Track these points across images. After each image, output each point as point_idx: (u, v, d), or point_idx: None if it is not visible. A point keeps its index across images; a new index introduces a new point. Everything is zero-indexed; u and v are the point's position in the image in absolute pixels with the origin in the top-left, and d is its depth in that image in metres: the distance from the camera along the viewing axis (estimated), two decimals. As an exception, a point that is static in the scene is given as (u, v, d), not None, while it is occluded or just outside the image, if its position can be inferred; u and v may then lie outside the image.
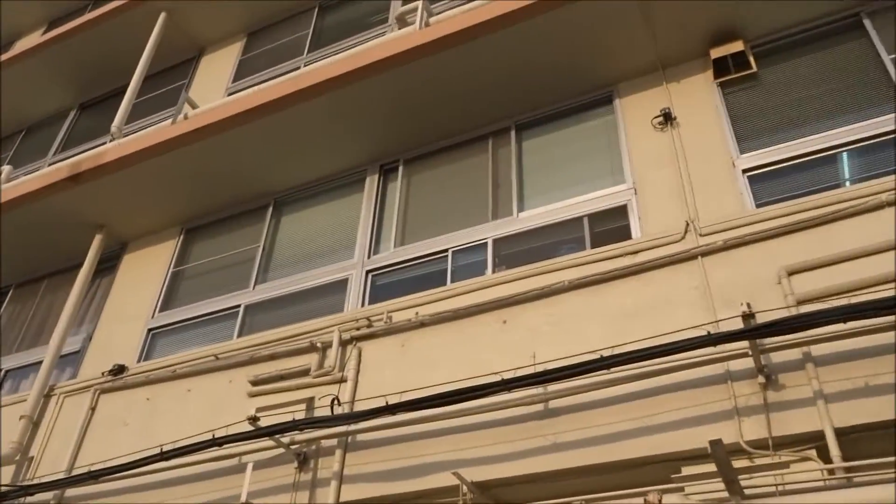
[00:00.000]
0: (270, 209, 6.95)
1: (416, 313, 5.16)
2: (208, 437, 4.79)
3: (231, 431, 4.80)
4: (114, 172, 6.96)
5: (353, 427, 4.57)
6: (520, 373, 4.11)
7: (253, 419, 4.49)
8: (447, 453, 4.39)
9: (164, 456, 4.73)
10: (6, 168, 8.37)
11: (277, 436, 4.62)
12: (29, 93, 10.74)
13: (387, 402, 4.19)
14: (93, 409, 6.08)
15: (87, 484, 5.10)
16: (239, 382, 5.54)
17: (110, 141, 8.17)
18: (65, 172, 7.07)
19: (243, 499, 4.23)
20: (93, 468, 5.28)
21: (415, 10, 6.76)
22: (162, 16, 9.27)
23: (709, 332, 3.64)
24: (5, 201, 7.37)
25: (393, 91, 6.21)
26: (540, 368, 4.20)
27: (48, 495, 5.54)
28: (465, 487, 4.12)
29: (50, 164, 9.41)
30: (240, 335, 6.05)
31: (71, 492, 5.48)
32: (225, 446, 4.77)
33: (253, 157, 6.80)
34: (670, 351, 3.82)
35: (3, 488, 5.43)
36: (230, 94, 8.32)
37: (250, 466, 4.41)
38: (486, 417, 4.37)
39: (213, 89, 8.72)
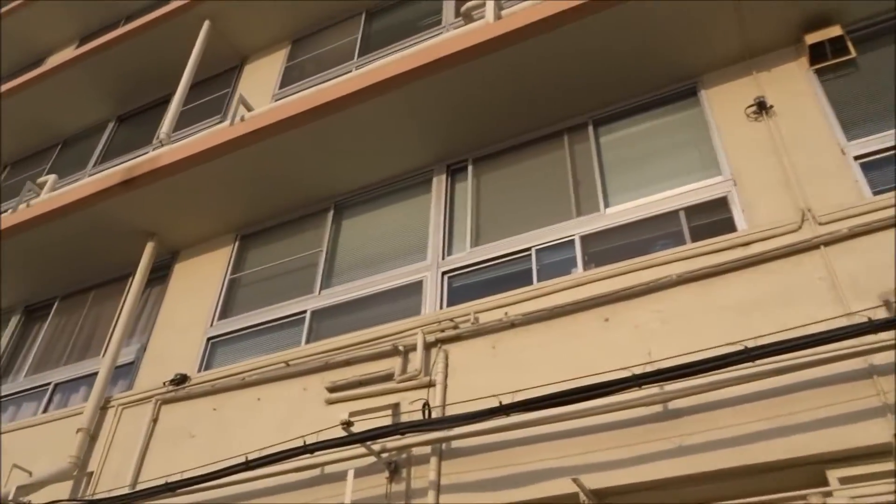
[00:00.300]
0: (331, 213, 6.70)
1: (506, 313, 4.88)
2: (291, 444, 4.50)
3: (309, 441, 4.52)
4: (168, 177, 6.73)
5: (451, 433, 4.26)
6: (626, 373, 3.83)
7: (346, 424, 4.19)
8: (558, 459, 4.08)
9: (249, 465, 4.43)
10: (52, 177, 8.17)
11: (369, 443, 4.32)
12: (65, 106, 10.62)
13: (500, 403, 3.90)
14: (155, 420, 5.79)
15: (164, 497, 4.80)
16: (314, 389, 5.26)
17: (155, 149, 7.99)
18: (118, 177, 6.85)
19: (346, 507, 3.93)
20: (161, 481, 5.00)
21: (481, 5, 6.56)
22: (206, 24, 9.14)
23: (870, 319, 3.34)
24: (54, 209, 7.13)
25: (461, 88, 6.00)
26: (656, 366, 3.91)
27: (113, 511, 5.23)
28: (583, 496, 3.81)
29: (90, 176, 9.21)
30: (308, 341, 5.77)
31: (139, 507, 5.18)
32: (303, 457, 4.47)
33: (312, 160, 6.57)
34: (811, 344, 3.54)
35: (73, 501, 5.13)
36: (277, 101, 8.12)
37: (351, 473, 4.10)
38: (599, 420, 4.07)
39: (259, 96, 8.51)
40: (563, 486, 3.94)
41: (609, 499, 3.94)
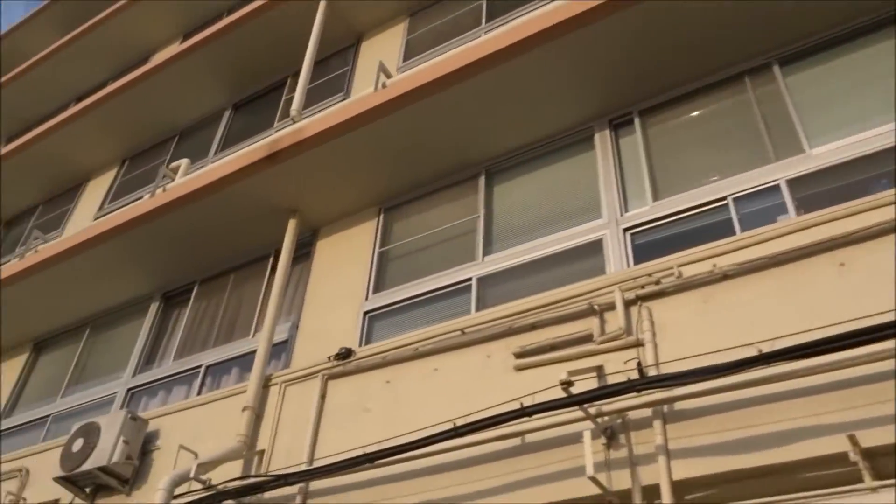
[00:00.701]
0: (482, 178, 6.39)
1: (714, 265, 4.45)
2: (480, 414, 4.19)
3: (496, 411, 4.22)
4: (313, 148, 6.54)
5: (688, 390, 3.86)
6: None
7: (566, 384, 3.85)
8: (811, 417, 3.63)
9: (458, 432, 4.14)
10: (184, 161, 8.13)
11: (587, 405, 3.97)
12: (180, 97, 10.65)
13: (759, 352, 3.47)
14: (323, 396, 5.57)
15: (362, 469, 4.56)
16: (498, 356, 4.94)
17: (277, 132, 7.85)
18: (262, 152, 6.70)
19: (589, 472, 3.57)
20: (340, 457, 4.77)
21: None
22: (322, 4, 8.96)
23: None
24: (196, 189, 7.05)
25: (622, 37, 5.62)
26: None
27: (293, 488, 5.03)
28: (853, 455, 3.36)
29: (212, 163, 9.16)
30: (478, 309, 5.47)
31: (325, 483, 4.96)
32: (516, 422, 4.15)
33: (460, 124, 6.30)
34: None
35: (256, 479, 4.95)
36: (402, 73, 7.87)
37: (588, 435, 3.75)
38: (853, 374, 3.61)
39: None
40: (822, 446, 3.50)
41: (879, 460, 3.47)
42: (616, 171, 5.64)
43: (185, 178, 7.87)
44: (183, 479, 4.96)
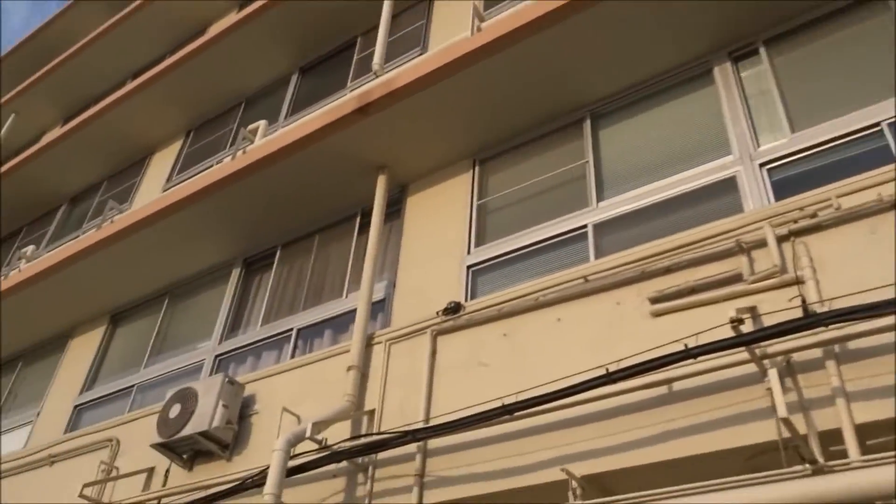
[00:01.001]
0: (587, 122, 6.02)
1: (879, 194, 4.04)
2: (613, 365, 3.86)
3: (627, 362, 3.90)
4: (405, 98, 6.23)
5: (849, 331, 3.48)
6: None
7: (736, 322, 3.50)
8: None
9: (611, 377, 3.81)
10: (262, 122, 7.89)
11: (755, 345, 3.61)
12: (243, 65, 10.45)
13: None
14: (434, 352, 5.29)
15: (489, 425, 4.29)
16: (630, 303, 4.59)
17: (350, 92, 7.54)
18: (352, 105, 6.40)
19: (781, 413, 3.23)
20: (459, 414, 4.49)
21: None
22: (393, -44, 8.59)
23: None
24: (281, 147, 6.79)
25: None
26: None
27: (411, 447, 4.77)
28: None
29: (283, 128, 8.92)
30: (597, 256, 5.12)
31: (445, 441, 4.68)
32: (674, 366, 3.82)
33: (562, 66, 5.94)
34: None
35: (380, 435, 4.70)
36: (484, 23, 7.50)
37: (774, 374, 3.40)
38: None
39: (460, 23, 7.90)
40: None
41: None
42: (742, 104, 5.22)
43: (265, 139, 7.62)
44: (299, 438, 4.72)
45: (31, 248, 10.89)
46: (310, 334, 6.69)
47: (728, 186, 4.90)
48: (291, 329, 6.74)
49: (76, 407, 8.29)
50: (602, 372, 3.99)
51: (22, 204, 13.01)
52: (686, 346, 3.64)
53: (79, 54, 14.05)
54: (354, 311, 6.32)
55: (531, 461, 4.31)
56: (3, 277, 9.97)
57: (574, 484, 3.99)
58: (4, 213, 13.18)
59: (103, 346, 8.82)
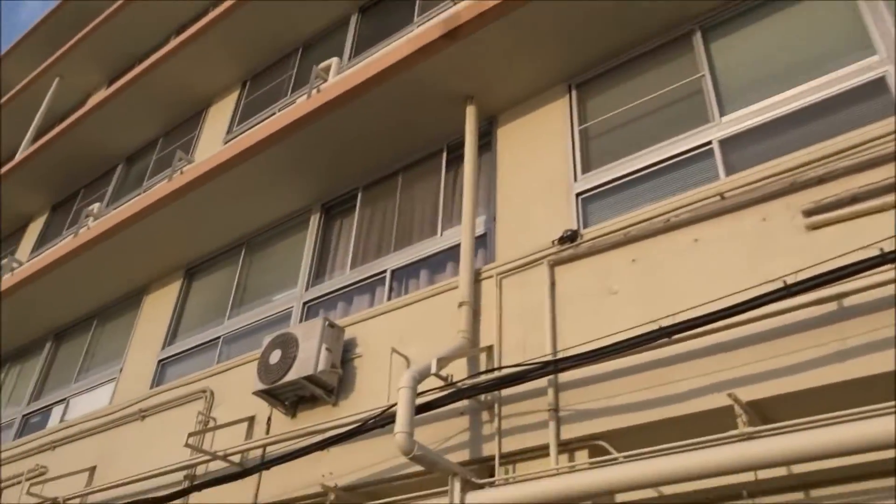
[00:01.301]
0: (698, 35, 5.60)
1: None
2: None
3: (787, 280, 3.57)
4: (496, 20, 5.86)
5: None
6: None
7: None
8: None
9: (789, 290, 3.50)
10: (334, 59, 7.58)
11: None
12: (298, 10, 10.12)
13: None
14: (553, 283, 5.02)
15: (652, 346, 4.01)
16: (778, 217, 4.26)
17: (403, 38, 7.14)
18: (438, 31, 6.04)
19: None
20: (589, 346, 4.23)
21: None
22: None
23: None
24: (355, 86, 6.47)
25: None
26: None
27: (541, 381, 4.53)
28: None
29: (348, 69, 8.58)
30: (728, 173, 4.77)
31: (576, 374, 4.43)
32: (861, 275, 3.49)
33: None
34: None
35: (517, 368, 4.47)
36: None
37: None
38: None
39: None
40: None
41: None
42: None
43: (339, 76, 7.30)
44: (424, 375, 4.50)
45: (97, 205, 10.77)
46: (403, 275, 6.45)
47: (876, 88, 4.49)
48: (385, 271, 6.51)
49: (160, 361, 8.21)
50: (761, 291, 3.69)
51: (78, 167, 12.91)
52: (881, 249, 3.30)
53: (119, 12, 13.77)
54: (451, 248, 6.12)
55: (683, 389, 4.04)
56: (72, 236, 9.87)
57: (738, 409, 3.72)
58: (60, 176, 13.11)
59: (181, 301, 8.70)
